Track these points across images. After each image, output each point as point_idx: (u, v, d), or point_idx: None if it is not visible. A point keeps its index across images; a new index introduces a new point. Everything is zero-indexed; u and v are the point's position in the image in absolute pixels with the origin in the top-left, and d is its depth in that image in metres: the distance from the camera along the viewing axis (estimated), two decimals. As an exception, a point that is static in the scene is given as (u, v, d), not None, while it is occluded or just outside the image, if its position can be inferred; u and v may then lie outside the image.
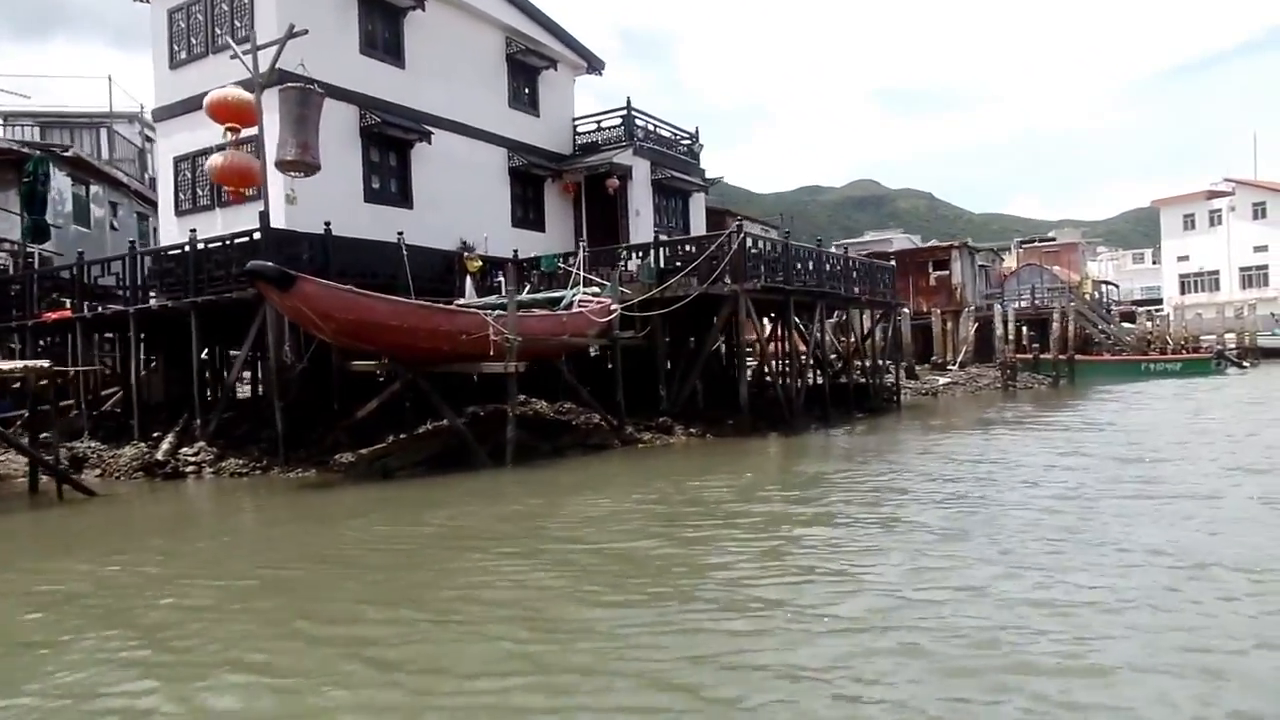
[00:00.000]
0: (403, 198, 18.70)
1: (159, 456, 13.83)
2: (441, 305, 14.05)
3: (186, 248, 15.13)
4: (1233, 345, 40.36)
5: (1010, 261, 48.76)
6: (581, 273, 16.96)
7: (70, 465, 14.31)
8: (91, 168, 23.77)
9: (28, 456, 12.36)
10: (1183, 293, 59.01)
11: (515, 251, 19.20)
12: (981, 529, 7.26)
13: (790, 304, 18.03)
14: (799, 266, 18.47)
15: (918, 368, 31.43)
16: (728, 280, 16.21)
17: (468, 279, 17.35)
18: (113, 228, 24.83)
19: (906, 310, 32.14)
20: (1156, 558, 6.20)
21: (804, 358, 20.23)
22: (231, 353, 18.64)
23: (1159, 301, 59.03)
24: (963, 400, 26.19)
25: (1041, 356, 32.94)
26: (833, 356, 24.28)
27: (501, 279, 16.92)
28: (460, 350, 13.05)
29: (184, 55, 17.94)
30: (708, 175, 26.30)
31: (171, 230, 18.03)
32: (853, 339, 23.21)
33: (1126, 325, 42.59)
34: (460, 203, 19.50)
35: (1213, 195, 59.31)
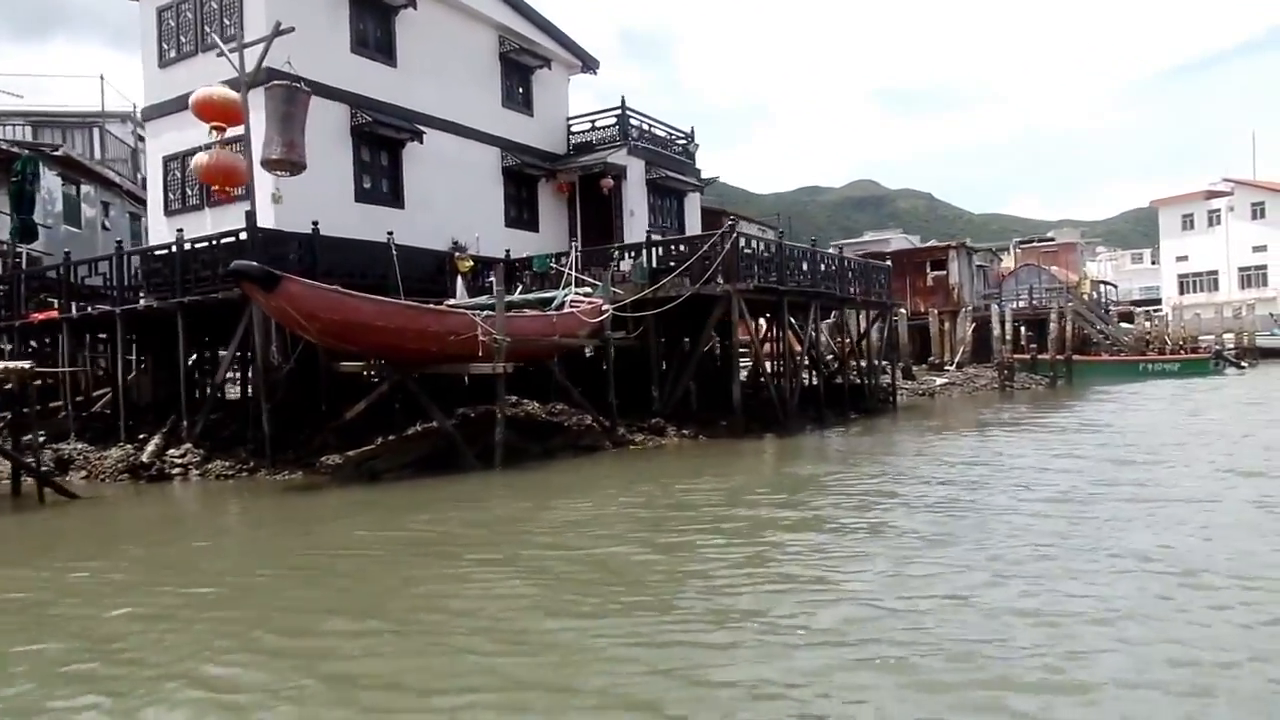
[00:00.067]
0: (394, 198, 18.55)
1: (144, 459, 13.68)
2: (429, 306, 13.89)
3: (173, 248, 14.99)
4: (1231, 345, 40.21)
5: (1009, 262, 48.59)
6: (573, 273, 16.82)
7: (56, 467, 14.18)
8: (82, 167, 23.62)
9: (9, 459, 12.21)
10: (1181, 293, 58.86)
11: (507, 252, 19.05)
12: (970, 534, 7.10)
13: (784, 304, 17.88)
14: (793, 266, 18.33)
15: (915, 368, 31.29)
16: (720, 280, 16.07)
17: (459, 279, 17.20)
18: (104, 228, 24.69)
19: (903, 310, 32.01)
20: (1147, 564, 6.04)
21: (799, 358, 20.07)
22: (221, 353, 18.50)
23: (1158, 302, 58.87)
24: (959, 401, 26.04)
25: (1039, 357, 32.79)
26: (829, 357, 24.15)
27: (493, 279, 16.77)
28: (448, 351, 12.91)
29: (173, 54, 17.80)
30: (704, 175, 26.15)
31: (161, 230, 17.88)
32: (847, 340, 23.04)
33: (1125, 325, 42.46)
34: (452, 203, 19.35)
35: (1211, 195, 59.18)
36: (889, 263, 26.28)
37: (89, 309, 16.68)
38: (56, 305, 16.99)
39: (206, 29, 16.98)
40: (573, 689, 4.02)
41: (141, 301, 15.72)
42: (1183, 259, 59.86)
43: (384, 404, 14.39)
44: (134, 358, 18.18)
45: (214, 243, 14.48)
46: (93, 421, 17.32)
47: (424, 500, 10.36)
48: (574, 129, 23.52)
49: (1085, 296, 41.87)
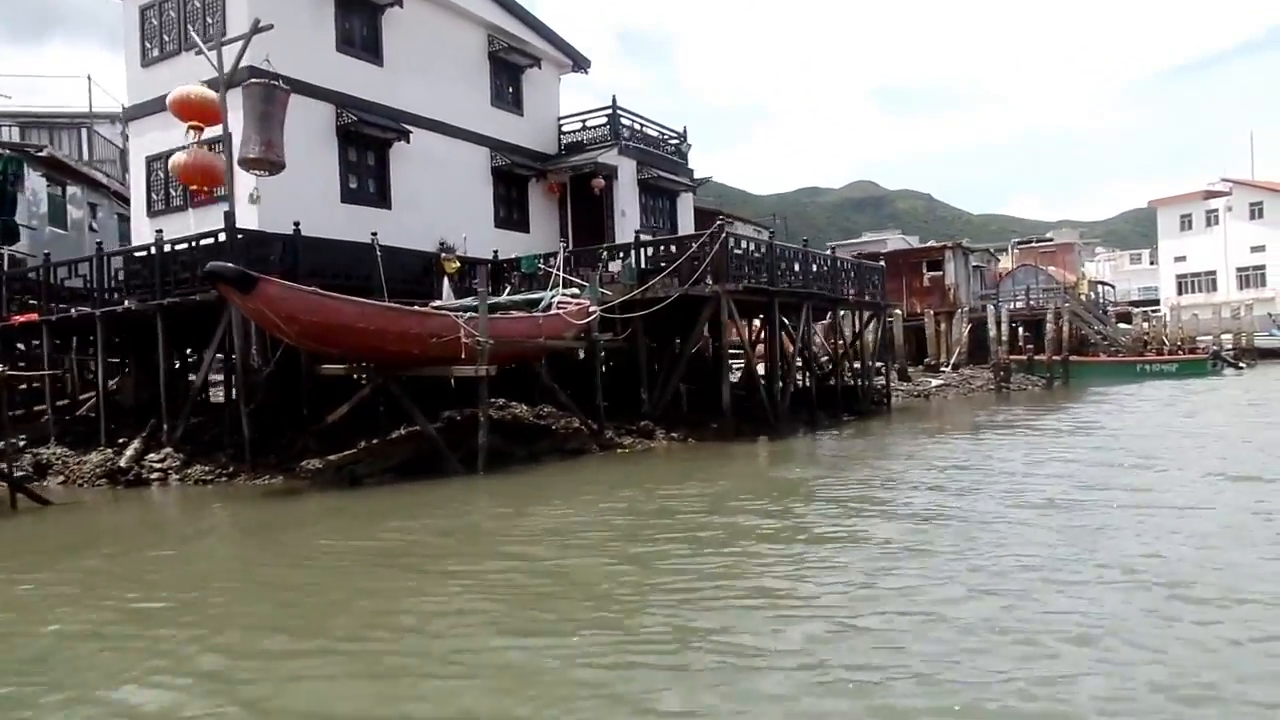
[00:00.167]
0: (380, 198, 18.33)
1: (122, 463, 13.47)
2: (410, 307, 13.67)
3: (152, 249, 14.77)
4: (1229, 346, 39.98)
5: (1006, 262, 48.38)
6: (561, 274, 16.61)
7: (34, 472, 13.98)
8: (68, 168, 23.38)
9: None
10: (1180, 293, 58.63)
11: (495, 252, 18.84)
12: (952, 544, 6.87)
13: (775, 305, 17.66)
14: (784, 267, 18.11)
15: (910, 369, 31.06)
16: (709, 281, 15.85)
17: (445, 280, 16.98)
18: (92, 229, 24.42)
19: (898, 311, 31.79)
20: (1135, 576, 5.81)
21: (791, 359, 19.85)
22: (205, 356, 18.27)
23: (1156, 302, 58.64)
24: (955, 402, 25.82)
25: (1036, 358, 32.56)
26: (823, 359, 23.93)
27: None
28: (430, 353, 12.70)
29: (156, 53, 17.58)
30: (698, 175, 25.94)
31: (144, 231, 17.64)
32: (841, 341, 22.82)
33: (1122, 326, 42.25)
34: (441, 203, 19.13)
35: (1210, 195, 58.97)
36: (882, 263, 26.07)
37: (70, 311, 16.46)
38: (37, 307, 16.75)
39: (190, 28, 16.75)
40: (510, 717, 3.78)
41: (127, 303, 15.50)
42: (1181, 259, 59.64)
43: (368, 407, 14.17)
44: (117, 360, 17.97)
45: (193, 244, 14.27)
46: (75, 425, 17.11)
47: (400, 506, 10.14)
48: (565, 129, 23.30)
49: (1083, 297, 41.67)
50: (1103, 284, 52.59)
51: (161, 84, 16.65)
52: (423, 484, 11.70)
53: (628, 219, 22.15)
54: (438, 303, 15.77)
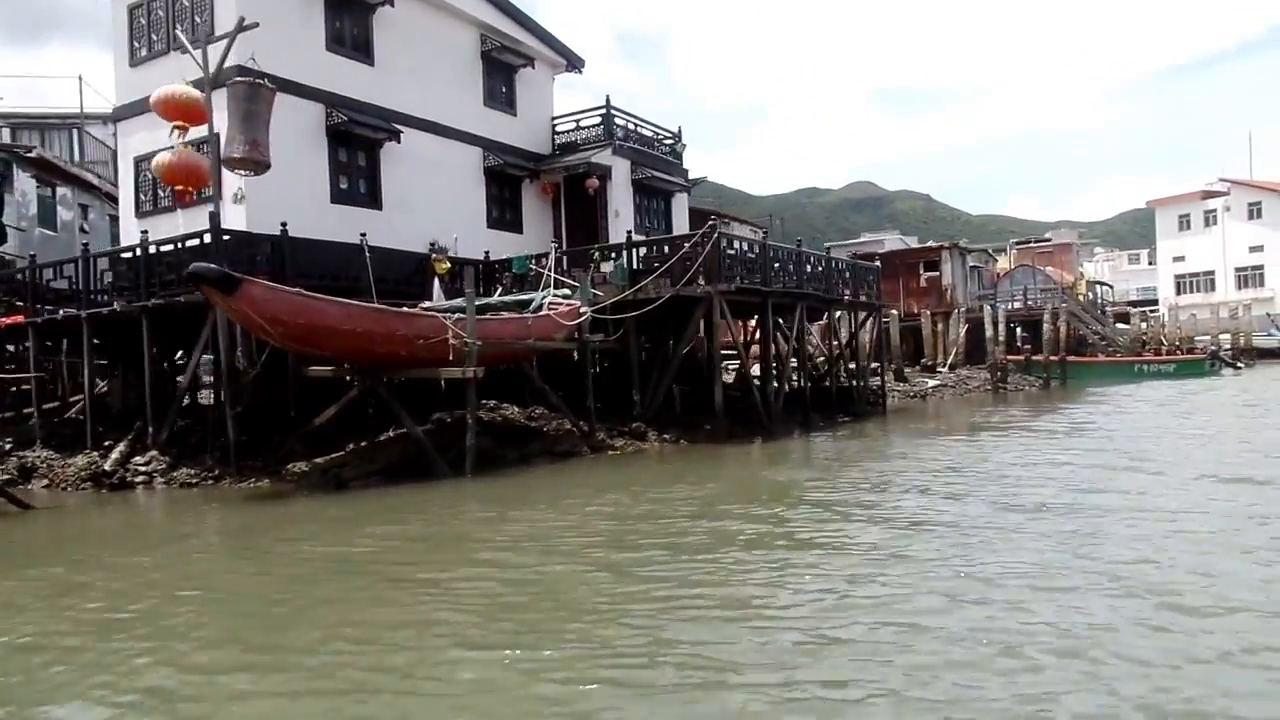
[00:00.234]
0: (371, 199, 18.17)
1: (106, 467, 13.33)
2: (397, 308, 13.52)
3: (138, 250, 14.63)
4: (1228, 346, 39.87)
5: (1005, 262, 48.26)
6: (552, 274, 16.47)
7: (19, 475, 13.83)
8: (58, 169, 23.22)
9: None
10: (1178, 293, 58.48)
11: (487, 253, 18.70)
12: (939, 550, 6.73)
13: (768, 305, 17.52)
14: (777, 267, 17.97)
15: (907, 370, 30.92)
16: (702, 282, 15.72)
17: (435, 281, 16.84)
18: (83, 230, 24.27)
19: (895, 312, 31.66)
20: (1126, 584, 5.66)
21: (785, 360, 19.71)
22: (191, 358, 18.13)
23: (1155, 302, 58.51)
24: (951, 403, 25.68)
25: (1033, 358, 32.43)
26: (819, 360, 23.78)
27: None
28: (418, 355, 12.56)
29: (144, 53, 17.43)
30: (694, 175, 25.79)
31: (132, 232, 17.47)
32: (836, 342, 22.68)
33: (1121, 326, 42.14)
34: (433, 204, 18.98)
35: (1208, 195, 58.84)
36: (878, 263, 25.93)
37: (57, 313, 16.31)
38: (23, 309, 16.60)
39: (178, 27, 16.61)
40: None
41: (116, 305, 15.36)
42: (1179, 259, 59.51)
43: (357, 409, 14.03)
44: (105, 362, 17.82)
45: (179, 245, 14.12)
46: (62, 428, 16.95)
47: (383, 510, 9.99)
48: (559, 129, 23.13)
49: (1081, 297, 41.55)
50: (1101, 284, 52.46)
51: (150, 84, 16.44)
52: (409, 487, 11.55)
53: (622, 219, 21.98)
54: (426, 304, 15.62)
